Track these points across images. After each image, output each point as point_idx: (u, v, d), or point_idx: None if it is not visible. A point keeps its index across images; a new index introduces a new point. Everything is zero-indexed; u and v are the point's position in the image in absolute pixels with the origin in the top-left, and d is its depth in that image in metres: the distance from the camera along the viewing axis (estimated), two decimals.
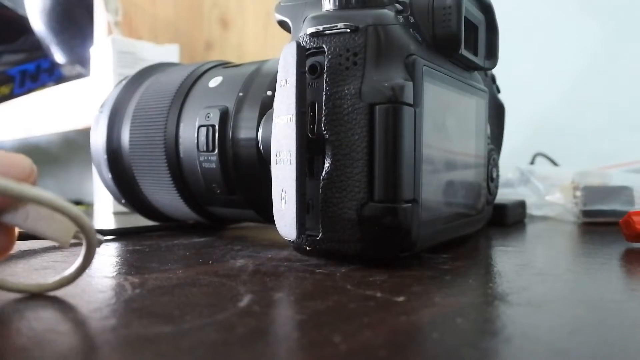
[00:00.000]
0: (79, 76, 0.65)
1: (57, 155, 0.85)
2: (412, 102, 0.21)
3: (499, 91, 0.37)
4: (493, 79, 0.36)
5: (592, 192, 0.38)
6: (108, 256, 0.26)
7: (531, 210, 0.44)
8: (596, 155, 0.62)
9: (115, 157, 0.34)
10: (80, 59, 0.65)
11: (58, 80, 0.74)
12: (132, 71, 0.40)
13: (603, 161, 0.52)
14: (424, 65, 0.22)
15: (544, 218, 0.43)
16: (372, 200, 0.21)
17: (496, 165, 0.33)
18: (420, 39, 0.23)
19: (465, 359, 0.12)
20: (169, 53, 0.56)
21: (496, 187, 0.33)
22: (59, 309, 0.16)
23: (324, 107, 0.22)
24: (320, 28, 0.22)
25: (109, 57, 0.52)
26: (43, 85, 0.77)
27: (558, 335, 0.14)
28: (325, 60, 0.22)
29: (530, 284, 0.20)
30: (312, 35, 0.22)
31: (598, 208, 0.38)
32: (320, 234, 0.22)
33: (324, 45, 0.22)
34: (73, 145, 0.77)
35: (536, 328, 0.15)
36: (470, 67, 0.27)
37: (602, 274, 0.22)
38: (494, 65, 0.28)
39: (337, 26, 0.22)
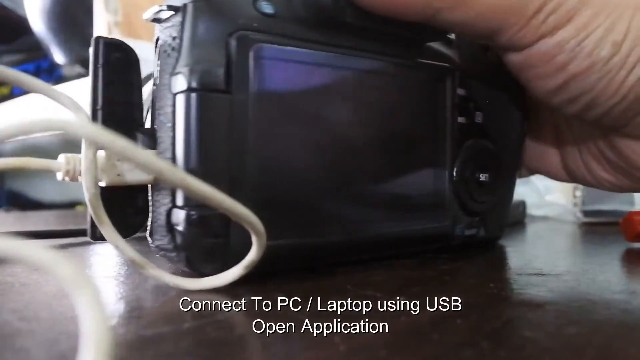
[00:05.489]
0: (79, 76, 0.65)
1: (57, 155, 0.85)
2: (224, 88, 0.18)
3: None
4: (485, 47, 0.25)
5: (592, 192, 0.38)
6: (108, 256, 0.26)
7: (531, 210, 0.44)
8: None
9: None
10: (80, 59, 0.65)
11: (58, 80, 0.73)
12: None
13: None
14: (262, 42, 0.18)
15: (544, 218, 0.43)
16: (175, 206, 0.18)
17: (486, 168, 0.25)
18: (274, 11, 0.19)
19: (465, 359, 0.12)
20: None
21: (482, 203, 0.26)
22: (59, 309, 0.16)
23: (156, 102, 0.19)
24: (156, 16, 0.20)
25: None
26: None
27: (558, 335, 0.14)
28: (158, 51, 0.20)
29: (530, 284, 0.20)
30: (156, 25, 0.20)
31: (598, 208, 0.38)
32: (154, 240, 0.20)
33: (159, 35, 0.19)
34: (73, 145, 0.77)
35: (536, 328, 0.15)
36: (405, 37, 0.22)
37: (602, 274, 0.22)
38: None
39: (163, 10, 0.19)
